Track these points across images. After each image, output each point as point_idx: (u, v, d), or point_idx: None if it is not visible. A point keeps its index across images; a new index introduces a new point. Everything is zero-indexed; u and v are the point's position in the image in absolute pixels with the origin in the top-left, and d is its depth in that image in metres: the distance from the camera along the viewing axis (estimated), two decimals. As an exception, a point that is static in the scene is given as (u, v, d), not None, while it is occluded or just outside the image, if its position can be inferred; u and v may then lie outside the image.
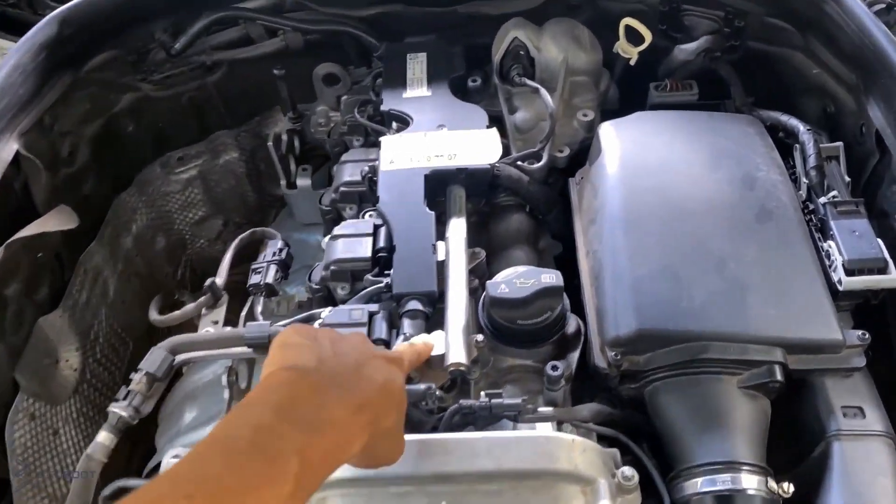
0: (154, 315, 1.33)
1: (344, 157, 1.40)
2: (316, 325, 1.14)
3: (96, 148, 1.57)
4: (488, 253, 1.34)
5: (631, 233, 1.15)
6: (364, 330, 1.11)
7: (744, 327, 1.05)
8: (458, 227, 1.24)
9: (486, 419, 1.06)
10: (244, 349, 1.17)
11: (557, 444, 0.97)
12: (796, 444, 1.11)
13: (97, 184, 1.61)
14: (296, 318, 1.18)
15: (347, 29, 1.56)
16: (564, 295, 1.16)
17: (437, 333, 1.13)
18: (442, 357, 1.08)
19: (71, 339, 1.56)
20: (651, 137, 1.27)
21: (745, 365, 1.05)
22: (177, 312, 1.28)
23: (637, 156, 1.25)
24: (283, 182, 1.61)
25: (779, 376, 1.03)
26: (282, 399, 0.67)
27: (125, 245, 1.72)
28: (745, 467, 0.99)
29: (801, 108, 1.46)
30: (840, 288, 1.12)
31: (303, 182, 1.58)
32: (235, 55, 1.61)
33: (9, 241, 1.29)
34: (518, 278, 1.12)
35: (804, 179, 1.26)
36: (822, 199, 1.21)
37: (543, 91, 1.34)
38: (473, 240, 1.35)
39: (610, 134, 1.29)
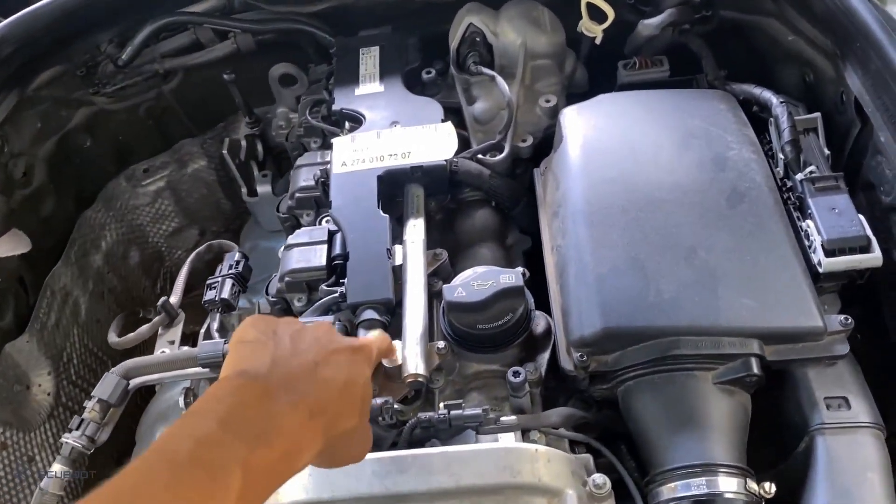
0: (112, 337, 1.29)
1: (298, 162, 1.34)
2: None
3: (53, 167, 1.54)
4: (455, 252, 1.29)
5: (594, 226, 1.09)
6: None
7: (716, 319, 0.98)
8: (416, 229, 1.18)
9: (447, 432, 1.01)
10: (200, 369, 1.13)
11: (519, 456, 0.92)
12: (780, 440, 1.05)
13: (58, 203, 1.57)
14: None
15: (300, 26, 1.50)
16: (528, 294, 1.10)
17: (395, 343, 1.08)
18: (400, 368, 1.04)
19: (42, 364, 1.53)
20: (614, 121, 1.20)
21: (719, 359, 0.98)
22: (131, 335, 1.24)
23: (599, 142, 1.18)
24: (243, 190, 1.56)
25: (755, 370, 0.97)
26: (227, 408, 0.63)
27: (95, 263, 1.69)
28: (722, 469, 0.93)
29: (780, 79, 1.38)
30: (820, 270, 1.05)
31: (263, 189, 1.53)
32: (187, 62, 1.56)
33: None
34: (476, 280, 1.06)
35: (780, 155, 1.18)
36: (800, 176, 1.13)
37: (499, 79, 1.27)
38: (439, 239, 1.30)
39: (571, 120, 1.22)
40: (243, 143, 1.56)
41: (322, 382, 0.70)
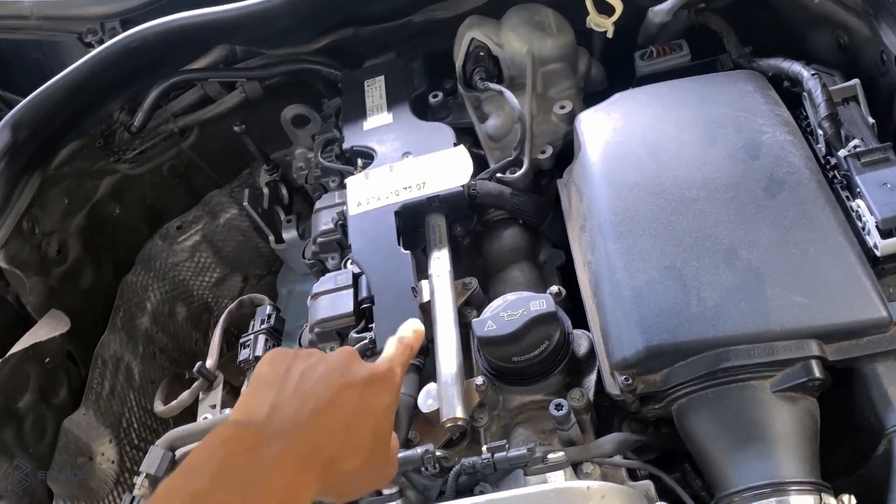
0: (158, 406, 1.29)
1: (317, 205, 1.31)
2: None
3: (86, 239, 1.56)
4: (486, 275, 1.24)
5: (623, 237, 1.02)
6: None
7: (766, 323, 0.91)
8: (440, 261, 1.14)
9: (495, 475, 0.96)
10: (241, 432, 1.11)
11: (569, 497, 0.87)
12: (857, 441, 0.97)
13: (96, 273, 1.59)
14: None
15: (304, 66, 1.48)
16: (563, 316, 1.04)
17: (431, 386, 1.04)
18: (438, 413, 1.00)
19: (102, 433, 1.55)
20: (633, 121, 1.13)
21: (775, 366, 0.91)
22: (174, 403, 1.24)
23: (619, 145, 1.11)
24: (271, 238, 1.54)
25: (817, 373, 0.89)
26: (219, 460, 0.64)
27: (142, 325, 1.70)
28: (793, 487, 0.86)
29: (812, 45, 1.29)
30: (877, 253, 0.96)
31: (289, 234, 1.52)
32: (200, 117, 1.56)
33: (3, 358, 1.28)
34: (505, 310, 1.01)
35: (820, 132, 1.09)
36: (843, 152, 1.04)
37: (507, 92, 1.21)
38: (469, 265, 1.26)
39: (588, 125, 1.16)
40: (265, 190, 1.55)
41: (319, 426, 0.70)
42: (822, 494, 0.85)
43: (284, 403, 0.70)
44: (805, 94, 1.12)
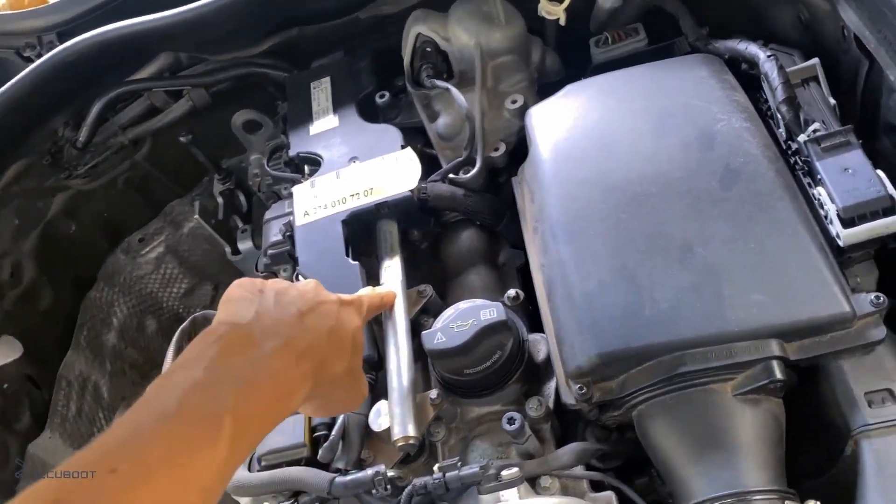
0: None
1: (266, 216, 1.26)
2: None
3: (42, 259, 1.51)
4: (444, 279, 1.20)
5: (574, 238, 0.97)
6: None
7: (723, 324, 0.86)
8: (390, 270, 1.09)
9: (449, 494, 0.92)
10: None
11: (523, 517, 0.83)
12: (826, 441, 0.93)
13: (55, 293, 1.55)
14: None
15: (250, 69, 1.42)
16: (517, 323, 1.00)
17: (381, 404, 1.00)
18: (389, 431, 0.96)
19: (70, 456, 1.51)
20: (584, 114, 1.08)
21: (734, 368, 0.86)
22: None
23: (569, 141, 1.06)
24: (227, 249, 1.50)
25: (778, 374, 0.85)
26: (213, 355, 0.63)
27: (109, 342, 1.67)
28: (756, 497, 0.82)
29: (774, 22, 1.23)
30: (840, 243, 0.91)
31: (244, 245, 1.47)
32: (150, 128, 1.51)
33: (-46, 389, 1.25)
34: (455, 321, 0.97)
35: (779, 115, 1.04)
36: (802, 137, 0.99)
37: (453, 90, 1.16)
38: (428, 271, 1.21)
39: (538, 119, 1.11)
40: (220, 200, 1.50)
41: (307, 329, 0.72)
42: (787, 502, 0.81)
43: (268, 311, 0.71)
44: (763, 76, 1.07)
